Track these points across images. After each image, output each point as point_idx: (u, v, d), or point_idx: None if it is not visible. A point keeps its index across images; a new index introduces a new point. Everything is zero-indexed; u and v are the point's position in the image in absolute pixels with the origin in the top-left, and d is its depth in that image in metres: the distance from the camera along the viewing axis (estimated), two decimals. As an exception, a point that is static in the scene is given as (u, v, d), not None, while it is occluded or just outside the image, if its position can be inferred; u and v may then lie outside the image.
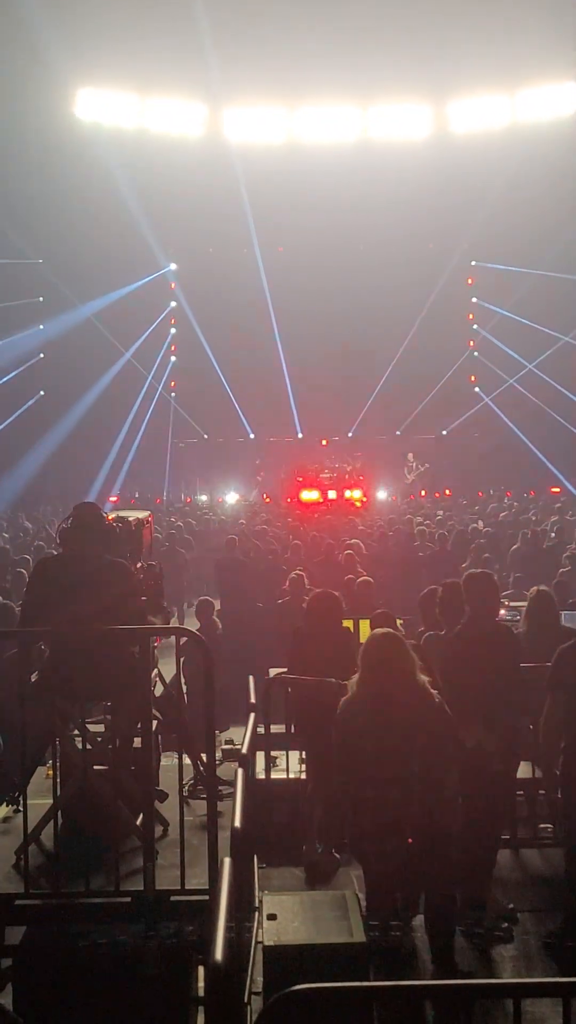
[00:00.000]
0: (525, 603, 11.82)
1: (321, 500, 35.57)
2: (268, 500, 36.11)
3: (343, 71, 34.35)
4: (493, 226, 36.53)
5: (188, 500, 36.89)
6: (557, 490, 34.48)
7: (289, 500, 36.13)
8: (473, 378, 40.95)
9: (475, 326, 40.83)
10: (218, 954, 4.05)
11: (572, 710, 6.65)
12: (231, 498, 36.35)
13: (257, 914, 6.22)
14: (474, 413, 40.20)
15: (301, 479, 38.57)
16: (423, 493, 36.67)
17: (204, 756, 7.06)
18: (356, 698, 6.25)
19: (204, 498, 37.77)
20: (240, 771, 6.53)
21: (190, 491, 39.73)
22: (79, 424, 36.49)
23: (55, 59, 30.96)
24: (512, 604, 13.25)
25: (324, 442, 40.73)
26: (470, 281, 40.93)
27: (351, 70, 34.33)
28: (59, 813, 6.37)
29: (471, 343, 41.18)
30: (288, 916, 5.83)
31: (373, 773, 6.04)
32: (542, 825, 8.18)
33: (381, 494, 34.55)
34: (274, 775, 8.81)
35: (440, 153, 36.26)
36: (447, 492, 36.18)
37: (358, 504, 33.78)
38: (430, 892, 6.39)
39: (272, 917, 5.80)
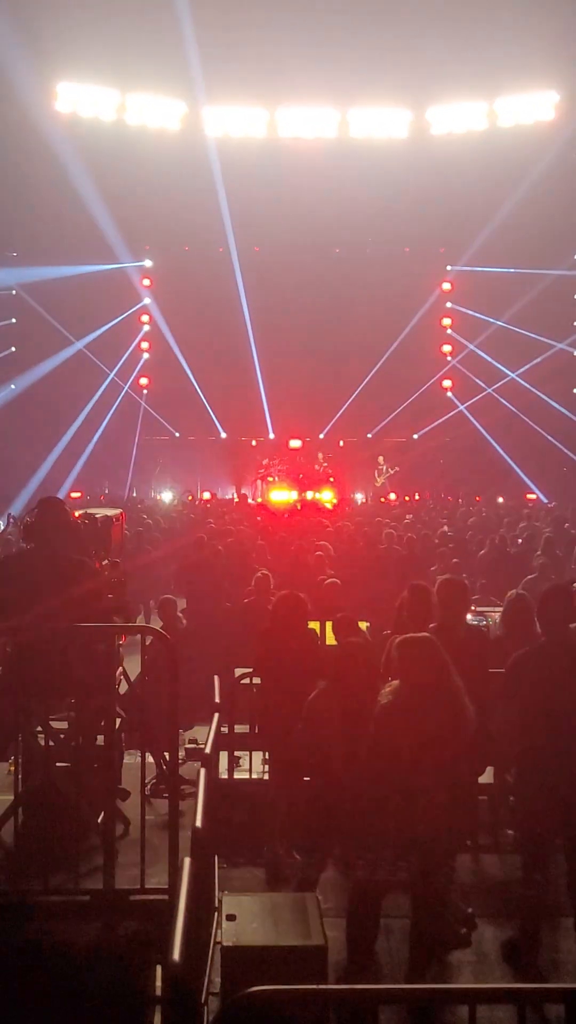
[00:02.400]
0: (492, 608, 11.92)
1: (291, 501, 35.63)
2: (237, 500, 36.03)
3: (323, 73, 34.37)
4: (469, 232, 36.65)
5: (158, 498, 36.78)
6: (533, 496, 34.65)
7: (259, 500, 36.14)
8: (447, 384, 40.94)
9: (449, 331, 40.89)
10: (176, 954, 4.05)
11: (526, 717, 6.68)
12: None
13: (217, 914, 6.22)
14: (447, 417, 40.18)
15: (272, 479, 38.63)
16: (392, 497, 36.72)
17: (167, 755, 7.06)
18: (395, 703, 6.24)
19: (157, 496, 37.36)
20: (203, 771, 6.52)
21: (148, 488, 39.48)
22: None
23: (35, 53, 30.88)
24: (479, 609, 13.30)
25: (297, 443, 40.66)
26: (447, 287, 40.95)
27: (331, 73, 34.34)
28: (20, 810, 6.35)
29: (446, 349, 41.19)
30: (247, 917, 5.82)
31: (406, 778, 6.04)
32: (504, 831, 8.21)
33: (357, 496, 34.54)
34: (237, 775, 8.80)
35: (418, 159, 36.26)
36: (417, 496, 36.21)
37: (328, 506, 33.79)
38: (420, 898, 6.37)
39: (231, 918, 5.79)
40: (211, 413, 40.47)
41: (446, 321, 41.12)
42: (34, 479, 33.55)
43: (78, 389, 37.56)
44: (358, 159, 36.65)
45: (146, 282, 40.59)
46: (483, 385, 38.46)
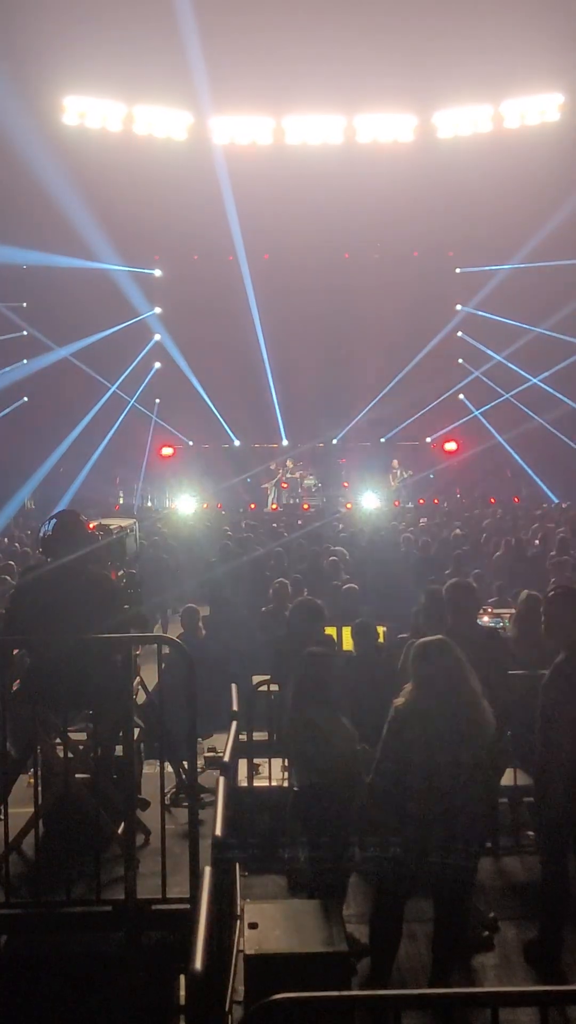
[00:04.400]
0: (509, 610, 11.91)
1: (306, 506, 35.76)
2: (253, 507, 36.05)
3: (329, 80, 34.43)
4: (478, 234, 36.68)
5: (172, 506, 36.65)
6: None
7: (274, 506, 36.22)
8: (461, 396, 40.88)
9: (460, 333, 40.84)
10: (199, 963, 4.06)
11: (547, 720, 6.67)
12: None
13: (239, 922, 6.22)
14: (462, 421, 40.13)
15: (286, 485, 38.73)
16: (407, 501, 36.78)
17: (186, 764, 7.06)
18: (410, 706, 6.25)
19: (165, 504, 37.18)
20: (222, 779, 6.52)
21: (164, 498, 39.44)
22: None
23: (41, 67, 31.08)
24: (495, 611, 13.30)
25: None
26: (458, 290, 40.93)
27: (337, 80, 34.40)
28: (40, 822, 6.37)
29: (458, 352, 41.17)
30: (269, 925, 5.82)
31: (415, 783, 6.05)
32: (525, 833, 8.20)
33: (370, 500, 34.48)
34: (256, 783, 8.79)
35: (425, 163, 36.28)
36: (435, 500, 36.20)
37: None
38: (442, 902, 6.37)
39: (253, 926, 5.79)
40: (221, 421, 40.42)
41: (457, 322, 41.03)
42: (33, 480, 33.59)
43: (80, 396, 37.49)
44: (365, 164, 36.70)
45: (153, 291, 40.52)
46: (498, 389, 38.33)
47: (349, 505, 35.21)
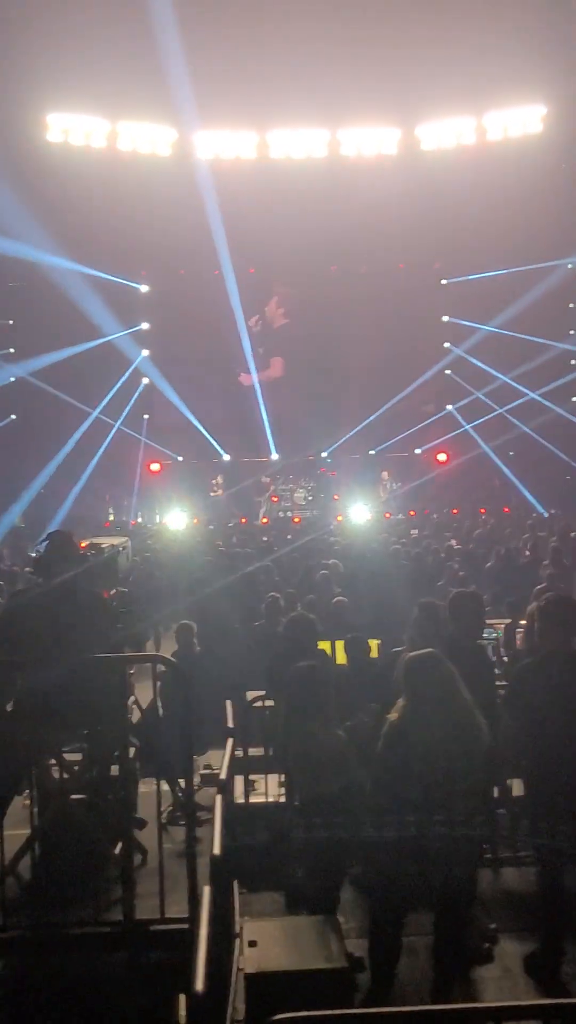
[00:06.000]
0: (502, 620, 11.92)
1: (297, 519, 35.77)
2: (244, 521, 36.00)
3: (312, 95, 34.52)
4: (463, 245, 36.79)
5: (163, 523, 36.55)
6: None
7: (264, 520, 36.21)
8: (449, 407, 40.90)
9: (447, 343, 40.92)
10: (199, 983, 4.05)
11: (532, 729, 6.68)
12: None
13: (238, 941, 6.20)
14: (452, 435, 40.13)
15: (276, 499, 38.75)
16: (388, 515, 36.81)
17: (182, 782, 7.04)
18: (403, 720, 6.24)
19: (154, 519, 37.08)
20: (219, 797, 6.51)
21: (154, 514, 39.38)
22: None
23: (25, 85, 31.14)
24: (488, 622, 13.29)
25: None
26: (444, 300, 41.02)
27: (320, 94, 34.51)
28: (37, 843, 6.34)
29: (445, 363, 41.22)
30: (269, 942, 5.80)
31: (411, 795, 6.04)
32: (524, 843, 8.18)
33: (360, 513, 34.47)
34: (253, 799, 8.77)
35: (409, 175, 36.37)
36: (425, 511, 36.17)
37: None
38: (441, 913, 6.35)
39: (253, 944, 5.76)
40: (208, 436, 40.33)
41: (445, 332, 41.08)
42: (25, 497, 33.48)
43: (68, 415, 37.34)
44: (349, 177, 36.84)
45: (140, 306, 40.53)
46: (487, 401, 38.33)
47: (340, 517, 35.20)
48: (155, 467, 40.34)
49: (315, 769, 6.79)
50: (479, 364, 38.31)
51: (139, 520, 37.17)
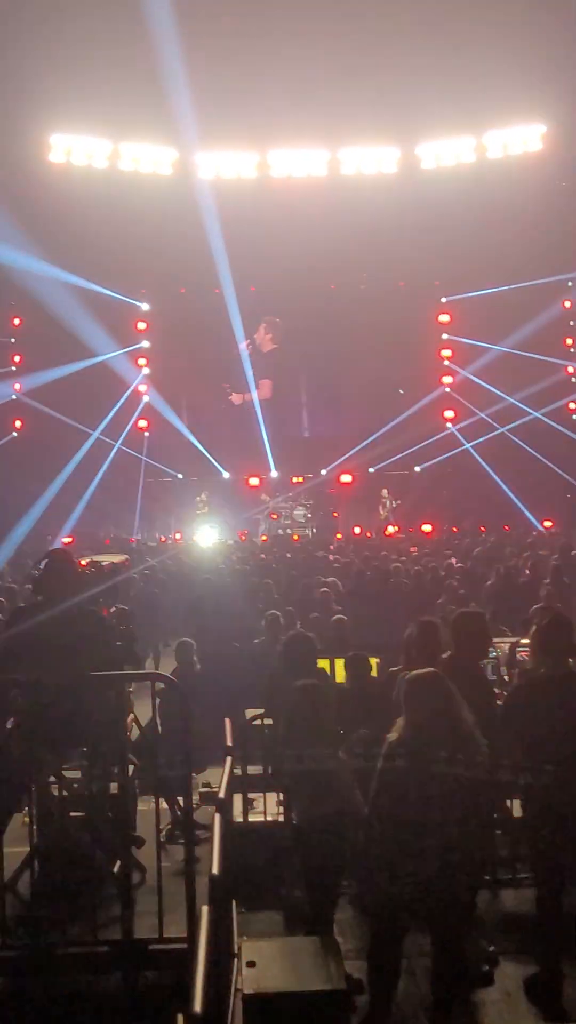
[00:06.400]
0: (501, 639, 11.90)
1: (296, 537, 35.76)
2: (244, 537, 36.01)
3: (313, 115, 34.62)
4: (463, 263, 36.86)
5: (163, 540, 36.54)
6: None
7: (264, 538, 36.18)
8: (448, 415, 40.86)
9: (447, 362, 40.96)
10: (197, 1004, 4.02)
11: (530, 750, 6.67)
12: (206, 538, 34.14)
13: (236, 960, 6.18)
14: (452, 453, 40.08)
15: (275, 516, 38.74)
16: (391, 531, 36.82)
17: (181, 800, 7.03)
18: (402, 740, 6.23)
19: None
20: (218, 815, 6.49)
21: (163, 530, 39.42)
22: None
23: (28, 106, 31.34)
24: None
25: (299, 479, 40.78)
26: (445, 319, 41.07)
27: (321, 114, 34.61)
28: (36, 861, 6.32)
29: (445, 381, 41.22)
30: (267, 963, 5.78)
31: (410, 816, 6.02)
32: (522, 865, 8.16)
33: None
34: (252, 817, 8.75)
35: (409, 193, 36.46)
36: (423, 530, 36.14)
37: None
38: (440, 935, 6.32)
39: (251, 964, 5.74)
40: (207, 454, 40.33)
41: (445, 352, 41.14)
42: (27, 520, 33.44)
43: (68, 435, 37.35)
44: (349, 196, 36.87)
45: (141, 325, 40.69)
46: (487, 419, 38.31)
47: (339, 535, 35.21)
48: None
49: (311, 790, 6.77)
50: (479, 381, 38.33)
51: (139, 537, 37.13)
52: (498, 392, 37.65)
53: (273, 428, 40.65)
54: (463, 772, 6.02)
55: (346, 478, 40.13)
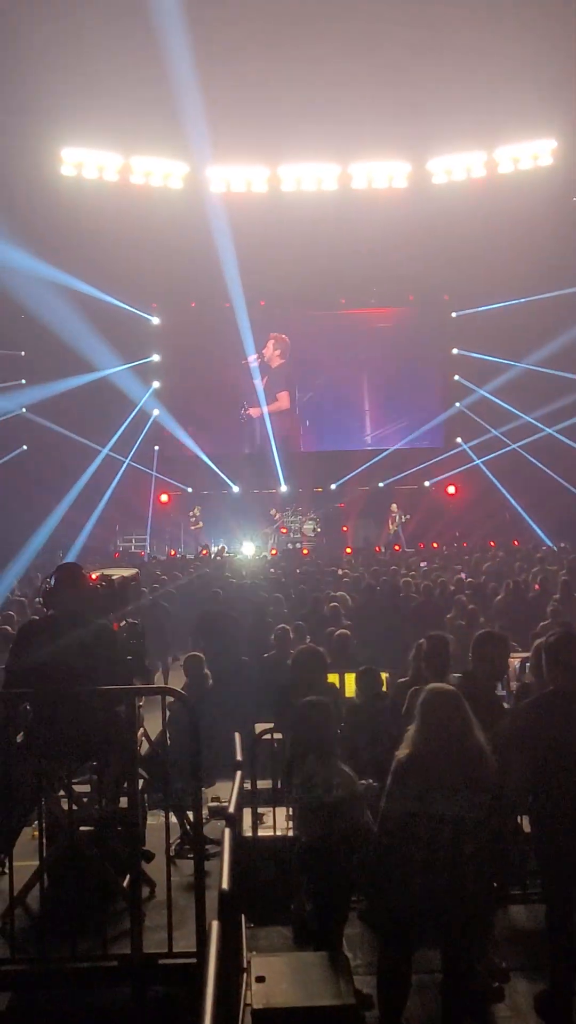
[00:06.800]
0: (515, 654, 11.89)
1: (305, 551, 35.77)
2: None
3: (324, 130, 34.68)
4: (473, 278, 36.90)
5: (172, 553, 36.54)
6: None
7: (274, 552, 36.22)
8: (459, 439, 40.89)
9: (457, 376, 40.96)
10: (207, 1019, 4.02)
11: (538, 767, 6.65)
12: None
13: (245, 975, 6.16)
14: (462, 468, 40.10)
15: (285, 530, 38.76)
16: (398, 547, 36.81)
17: (191, 815, 7.02)
18: (411, 756, 6.21)
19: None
20: (227, 830, 6.47)
21: (174, 544, 39.46)
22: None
23: (40, 120, 31.54)
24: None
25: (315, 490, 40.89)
26: (452, 332, 41.11)
27: (332, 129, 34.66)
28: (45, 875, 6.32)
29: (455, 394, 41.24)
30: (277, 978, 5.76)
31: (420, 833, 6.00)
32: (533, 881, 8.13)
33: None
34: (261, 832, 8.74)
35: (419, 208, 36.50)
36: (434, 544, 36.13)
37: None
38: (450, 951, 6.30)
39: (260, 979, 5.73)
40: (215, 468, 40.38)
41: (454, 366, 41.15)
42: (39, 535, 33.52)
43: (78, 449, 37.42)
44: (360, 211, 36.93)
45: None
46: (498, 434, 38.26)
47: (350, 549, 35.21)
48: (164, 498, 40.44)
49: (317, 811, 6.75)
50: (489, 396, 38.30)
51: (148, 551, 37.18)
52: (508, 406, 37.59)
53: (283, 442, 40.74)
54: (471, 793, 6.00)
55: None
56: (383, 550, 35.04)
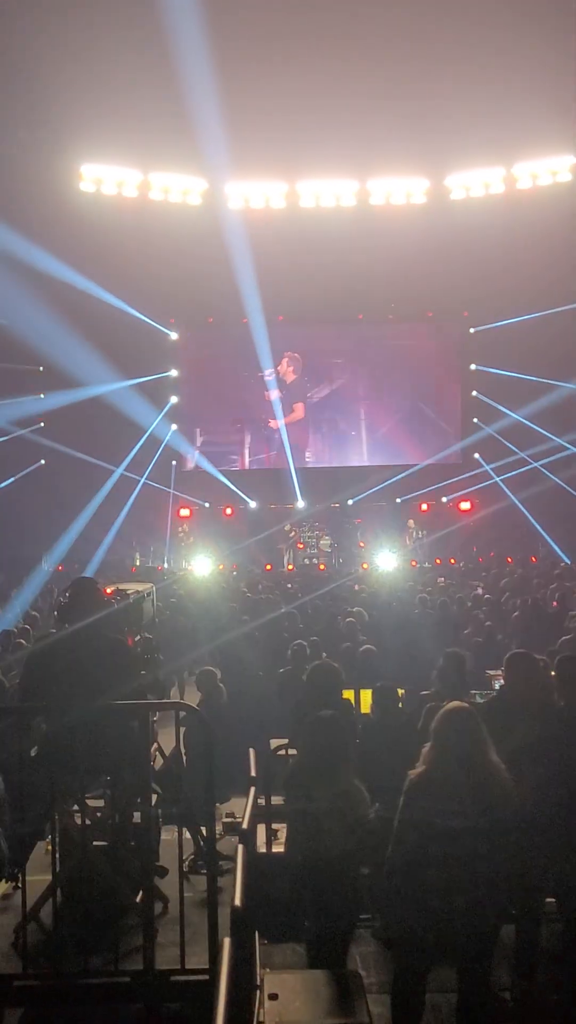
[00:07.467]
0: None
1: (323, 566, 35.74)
2: (269, 568, 35.94)
3: (342, 146, 34.84)
4: (492, 294, 36.87)
5: (189, 568, 36.45)
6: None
7: (290, 567, 36.18)
8: (477, 455, 40.81)
9: (474, 392, 40.89)
10: (219, 1038, 4.00)
11: (545, 785, 6.61)
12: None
13: (258, 993, 6.13)
14: (481, 486, 39.97)
15: (302, 546, 38.71)
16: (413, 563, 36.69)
17: (204, 830, 7.00)
18: (425, 775, 6.18)
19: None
20: (241, 846, 6.45)
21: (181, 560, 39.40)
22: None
23: (60, 137, 31.75)
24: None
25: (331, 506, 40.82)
26: (471, 348, 41.07)
27: (350, 145, 34.82)
28: (58, 890, 6.31)
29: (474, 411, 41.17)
30: (290, 996, 5.73)
31: (433, 852, 5.96)
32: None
33: (387, 561, 34.20)
34: (275, 848, 8.70)
35: (438, 224, 36.55)
36: (451, 560, 36.01)
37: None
38: (466, 971, 6.25)
39: (274, 996, 5.69)
40: (230, 484, 40.38)
41: (473, 382, 41.09)
42: (57, 550, 33.58)
43: (94, 473, 37.46)
44: (378, 227, 36.97)
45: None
46: (515, 449, 38.11)
47: (365, 565, 35.12)
48: (185, 512, 40.45)
49: (317, 828, 6.69)
50: (509, 413, 38.19)
51: (165, 566, 37.15)
52: (527, 422, 37.47)
53: (299, 457, 40.79)
54: (489, 808, 5.96)
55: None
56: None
